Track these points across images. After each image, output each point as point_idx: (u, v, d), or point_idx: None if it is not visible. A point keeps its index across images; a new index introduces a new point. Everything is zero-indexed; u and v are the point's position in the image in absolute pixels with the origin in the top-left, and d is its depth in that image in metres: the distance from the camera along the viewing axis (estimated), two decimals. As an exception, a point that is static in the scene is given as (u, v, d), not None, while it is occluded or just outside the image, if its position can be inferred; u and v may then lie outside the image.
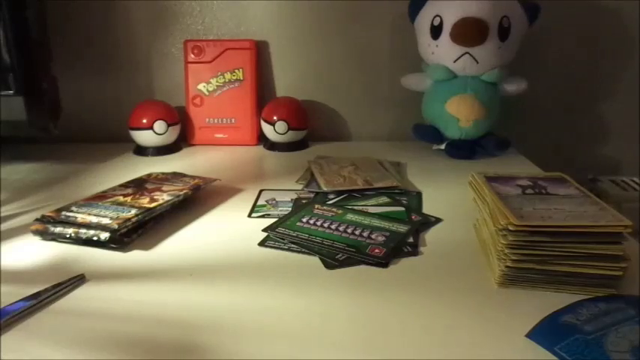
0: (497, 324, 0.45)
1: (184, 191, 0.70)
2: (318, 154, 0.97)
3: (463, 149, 0.95)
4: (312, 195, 0.76)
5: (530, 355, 0.41)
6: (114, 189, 0.71)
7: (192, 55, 1.04)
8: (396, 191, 0.76)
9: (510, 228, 0.48)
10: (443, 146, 0.98)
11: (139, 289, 0.51)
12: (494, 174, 0.63)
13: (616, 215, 0.49)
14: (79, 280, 0.51)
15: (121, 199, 0.67)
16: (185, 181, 0.75)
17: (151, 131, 0.97)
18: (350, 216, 0.66)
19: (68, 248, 0.59)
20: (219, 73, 1.04)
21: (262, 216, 0.69)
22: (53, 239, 0.61)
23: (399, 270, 0.54)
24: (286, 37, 1.07)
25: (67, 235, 0.59)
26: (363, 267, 0.55)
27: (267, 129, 1.02)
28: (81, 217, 0.60)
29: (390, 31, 1.05)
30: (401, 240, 0.60)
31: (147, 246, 0.60)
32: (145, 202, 0.66)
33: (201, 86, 1.05)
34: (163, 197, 0.67)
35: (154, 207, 0.64)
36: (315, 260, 0.56)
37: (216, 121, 1.06)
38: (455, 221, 0.67)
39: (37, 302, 0.47)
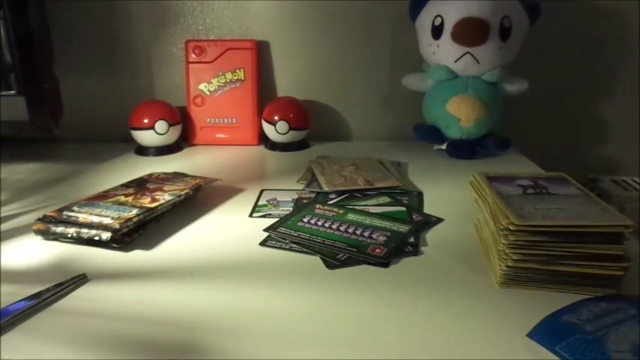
0: (498, 323, 0.45)
1: (185, 191, 0.70)
2: (319, 154, 0.97)
3: (464, 149, 0.95)
4: (313, 195, 0.76)
5: (531, 354, 0.41)
6: (115, 189, 0.71)
7: (194, 55, 1.04)
8: (397, 191, 0.76)
9: (511, 228, 0.48)
10: (444, 146, 0.98)
11: (140, 289, 0.51)
12: (495, 174, 0.63)
13: (617, 215, 0.49)
14: (80, 279, 0.52)
15: (123, 198, 0.67)
16: (186, 181, 0.75)
17: (152, 131, 0.98)
18: (351, 216, 0.66)
19: (70, 248, 0.59)
20: (221, 73, 1.05)
21: (263, 216, 0.69)
22: (55, 239, 0.61)
23: (400, 270, 0.55)
24: (287, 37, 1.07)
25: (69, 235, 0.59)
26: (364, 267, 0.55)
27: (268, 129, 1.03)
28: (82, 217, 0.60)
29: (391, 31, 1.06)
30: (402, 240, 0.60)
31: (148, 246, 0.60)
32: (146, 201, 0.66)
33: (202, 86, 1.05)
34: (164, 197, 0.67)
35: (155, 207, 0.64)
36: (316, 260, 0.56)
37: (217, 121, 1.06)
38: (456, 221, 0.67)
39: (39, 302, 0.47)
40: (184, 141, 1.07)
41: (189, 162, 0.97)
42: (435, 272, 0.54)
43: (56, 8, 0.99)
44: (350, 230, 0.62)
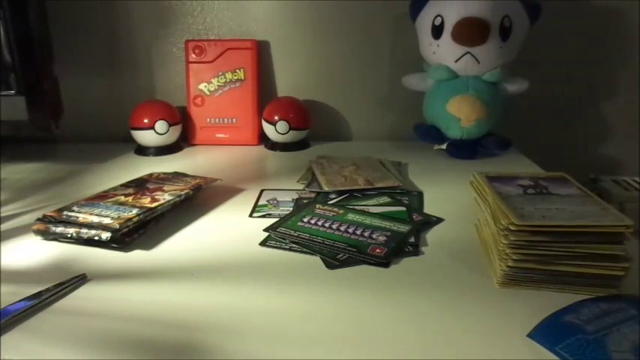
0: (499, 324, 0.45)
1: (185, 191, 0.70)
2: (319, 153, 0.97)
3: (464, 149, 0.95)
4: (313, 195, 0.76)
5: (531, 354, 0.41)
6: (115, 189, 0.71)
7: (194, 55, 1.04)
8: (397, 191, 0.76)
9: (512, 228, 0.48)
10: (444, 146, 0.98)
11: (140, 289, 0.51)
12: (496, 174, 0.63)
13: (617, 215, 0.49)
14: (80, 279, 0.51)
15: (123, 198, 0.67)
16: (186, 180, 0.75)
17: (152, 131, 0.98)
18: (351, 216, 0.66)
19: (69, 248, 0.59)
20: (221, 73, 1.05)
21: (263, 216, 0.69)
22: (54, 239, 0.61)
23: (400, 270, 0.54)
24: (287, 37, 1.07)
25: (69, 235, 0.59)
26: (364, 267, 0.55)
27: (268, 129, 1.03)
28: (82, 217, 0.60)
29: (391, 31, 1.05)
30: (402, 240, 0.60)
31: (148, 246, 0.60)
32: (146, 201, 0.66)
33: (202, 86, 1.05)
34: (164, 197, 0.67)
35: (155, 207, 0.64)
36: (316, 260, 0.56)
37: (217, 120, 1.06)
38: (456, 221, 0.67)
39: (39, 302, 0.47)
40: (184, 141, 1.07)
41: (189, 162, 0.97)
42: (435, 272, 0.54)
43: (56, 8, 0.99)
44: (350, 230, 0.62)
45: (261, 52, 1.07)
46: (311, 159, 0.91)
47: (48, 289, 0.49)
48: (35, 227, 0.61)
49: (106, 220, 0.59)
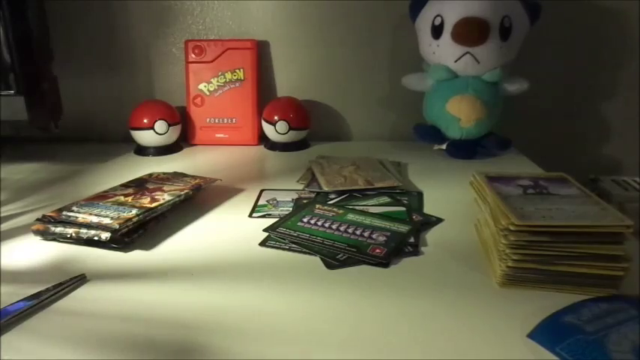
0: (499, 324, 0.45)
1: (185, 191, 0.70)
2: (319, 153, 0.97)
3: (464, 149, 0.95)
4: (313, 195, 0.76)
5: (531, 355, 0.41)
6: (115, 189, 0.71)
7: (193, 55, 1.04)
8: (397, 191, 0.76)
9: (511, 228, 0.48)
10: (444, 146, 0.98)
11: (139, 289, 0.51)
12: (496, 174, 0.63)
13: (617, 215, 0.49)
14: (79, 280, 0.51)
15: (122, 199, 0.67)
16: (186, 181, 0.75)
17: (151, 131, 0.98)
18: (351, 216, 0.66)
19: (69, 248, 0.59)
20: (220, 73, 1.04)
21: (263, 216, 0.69)
22: (54, 239, 0.61)
23: (400, 270, 0.54)
24: (287, 37, 1.07)
25: (68, 235, 0.59)
26: (364, 267, 0.55)
27: (268, 129, 1.02)
28: (82, 217, 0.60)
29: (391, 30, 1.05)
30: (402, 240, 0.60)
31: (148, 246, 0.60)
32: (145, 202, 0.66)
33: (202, 86, 1.05)
34: (164, 197, 0.67)
35: (155, 207, 0.64)
36: (316, 260, 0.56)
37: (217, 120, 1.06)
38: (456, 221, 0.66)
39: (38, 302, 0.47)
40: (184, 141, 1.07)
41: (189, 162, 0.97)
42: (435, 272, 0.54)
43: (56, 8, 0.99)
44: (350, 230, 0.62)
45: (261, 52, 1.07)
46: (311, 159, 0.91)
47: (47, 290, 0.49)
48: (35, 227, 0.61)
49: (106, 220, 0.59)
